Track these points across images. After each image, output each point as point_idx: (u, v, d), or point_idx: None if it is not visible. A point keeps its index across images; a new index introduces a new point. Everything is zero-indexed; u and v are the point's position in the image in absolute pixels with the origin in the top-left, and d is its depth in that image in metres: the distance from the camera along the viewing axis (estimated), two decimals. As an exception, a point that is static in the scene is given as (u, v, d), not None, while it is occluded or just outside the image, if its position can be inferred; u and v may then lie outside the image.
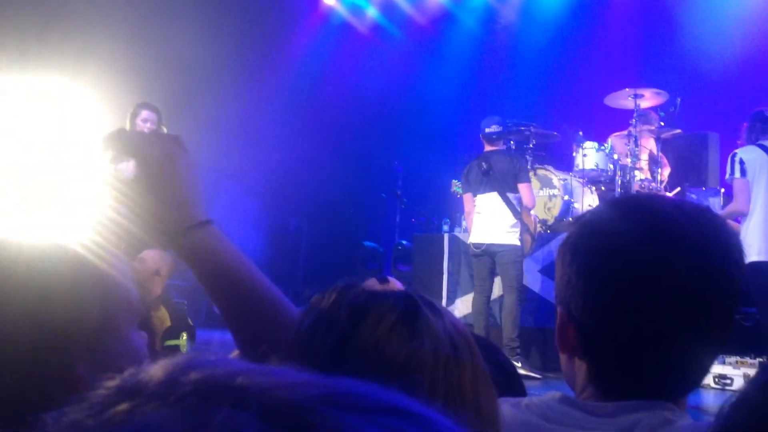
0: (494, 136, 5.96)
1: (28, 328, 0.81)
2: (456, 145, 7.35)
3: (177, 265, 3.60)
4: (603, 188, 7.00)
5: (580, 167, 6.93)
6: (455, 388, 0.71)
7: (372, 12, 9.89)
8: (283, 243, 9.06)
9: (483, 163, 5.83)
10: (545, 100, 8.64)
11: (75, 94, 5.37)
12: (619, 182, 6.66)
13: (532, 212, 6.04)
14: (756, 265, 4.75)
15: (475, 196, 5.92)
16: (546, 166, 6.99)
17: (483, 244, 5.80)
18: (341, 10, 9.93)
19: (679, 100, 6.83)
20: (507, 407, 0.94)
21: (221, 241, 0.98)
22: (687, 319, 0.85)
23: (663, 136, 6.94)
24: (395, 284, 2.99)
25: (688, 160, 7.26)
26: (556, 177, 6.83)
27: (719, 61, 7.30)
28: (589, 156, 6.89)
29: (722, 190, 6.86)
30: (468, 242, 5.98)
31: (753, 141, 5.02)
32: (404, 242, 8.24)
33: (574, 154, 7.06)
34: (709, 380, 5.20)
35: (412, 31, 9.71)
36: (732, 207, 5.07)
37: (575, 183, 6.92)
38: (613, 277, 0.87)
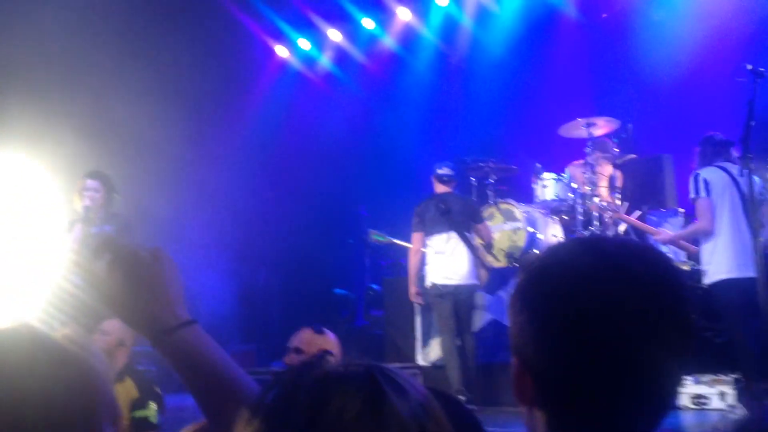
0: (446, 178, 6.13)
1: None
2: (417, 185, 7.41)
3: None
4: (565, 217, 7.10)
5: (541, 198, 7.03)
6: None
7: (325, 62, 10.04)
8: (253, 297, 8.95)
9: (441, 204, 5.96)
10: (502, 135, 8.79)
11: (29, 167, 5.30)
12: (581, 210, 6.76)
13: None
14: (726, 283, 4.83)
15: (429, 236, 6.00)
16: (508, 199, 7.08)
17: (450, 285, 5.87)
18: (294, 62, 10.07)
19: (630, 125, 7.01)
20: None
21: (204, 341, 1.02)
22: (641, 357, 0.84)
23: (619, 161, 7.09)
24: (329, 336, 2.98)
25: (645, 183, 7.41)
26: (519, 210, 6.91)
27: (666, 85, 7.53)
28: (548, 187, 7.00)
29: (682, 210, 7.01)
30: (429, 282, 6.00)
31: (707, 164, 5.14)
32: (375, 287, 8.21)
33: (533, 185, 7.17)
34: (686, 401, 5.22)
35: (365, 78, 9.87)
36: (697, 226, 5.15)
37: (537, 214, 7.01)
38: (563, 321, 0.86)
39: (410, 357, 6.70)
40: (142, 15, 7.49)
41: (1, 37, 6.30)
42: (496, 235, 6.95)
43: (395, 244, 6.89)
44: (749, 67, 4.50)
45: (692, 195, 5.08)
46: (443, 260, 5.92)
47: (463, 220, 5.99)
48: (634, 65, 7.99)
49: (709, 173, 5.03)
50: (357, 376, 0.70)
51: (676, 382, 0.90)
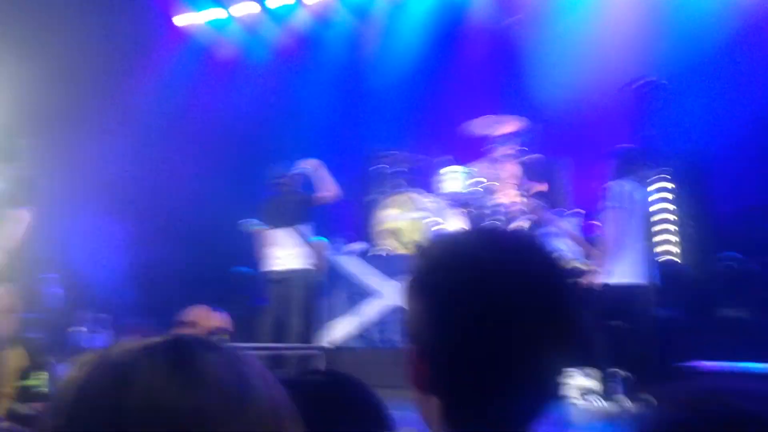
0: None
1: None
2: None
3: (31, 296, 3.38)
4: (471, 210, 7.29)
5: (448, 190, 7.19)
6: None
7: (230, 37, 9.84)
8: (152, 271, 8.68)
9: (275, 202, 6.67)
10: (414, 125, 8.90)
11: None
12: (486, 205, 6.96)
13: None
14: (628, 287, 5.16)
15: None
16: (417, 189, 7.19)
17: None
18: (199, 35, 9.80)
19: (536, 126, 7.27)
20: None
21: None
22: (527, 350, 0.88)
23: (523, 160, 7.34)
24: (223, 315, 3.06)
25: (544, 183, 7.69)
26: (427, 200, 7.04)
27: (570, 93, 7.83)
28: (456, 180, 7.16)
29: (582, 212, 7.33)
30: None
31: (623, 176, 5.38)
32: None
33: (441, 177, 7.31)
34: (574, 393, 5.46)
35: (277, 53, 9.75)
36: (616, 234, 5.30)
37: (444, 205, 7.16)
38: (459, 309, 0.89)
39: (312, 339, 6.72)
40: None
41: None
42: (403, 224, 7.06)
43: None
44: (648, 79, 4.74)
45: (609, 203, 5.33)
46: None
47: (294, 217, 6.59)
48: (541, 71, 8.26)
49: (625, 185, 5.30)
50: (160, 342, 0.67)
51: (557, 376, 0.93)
